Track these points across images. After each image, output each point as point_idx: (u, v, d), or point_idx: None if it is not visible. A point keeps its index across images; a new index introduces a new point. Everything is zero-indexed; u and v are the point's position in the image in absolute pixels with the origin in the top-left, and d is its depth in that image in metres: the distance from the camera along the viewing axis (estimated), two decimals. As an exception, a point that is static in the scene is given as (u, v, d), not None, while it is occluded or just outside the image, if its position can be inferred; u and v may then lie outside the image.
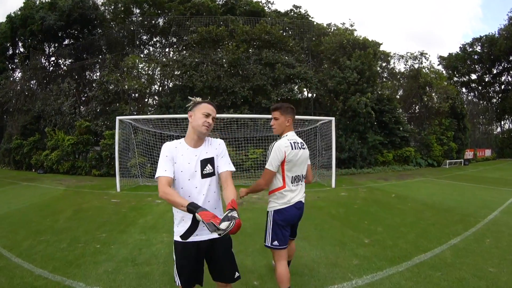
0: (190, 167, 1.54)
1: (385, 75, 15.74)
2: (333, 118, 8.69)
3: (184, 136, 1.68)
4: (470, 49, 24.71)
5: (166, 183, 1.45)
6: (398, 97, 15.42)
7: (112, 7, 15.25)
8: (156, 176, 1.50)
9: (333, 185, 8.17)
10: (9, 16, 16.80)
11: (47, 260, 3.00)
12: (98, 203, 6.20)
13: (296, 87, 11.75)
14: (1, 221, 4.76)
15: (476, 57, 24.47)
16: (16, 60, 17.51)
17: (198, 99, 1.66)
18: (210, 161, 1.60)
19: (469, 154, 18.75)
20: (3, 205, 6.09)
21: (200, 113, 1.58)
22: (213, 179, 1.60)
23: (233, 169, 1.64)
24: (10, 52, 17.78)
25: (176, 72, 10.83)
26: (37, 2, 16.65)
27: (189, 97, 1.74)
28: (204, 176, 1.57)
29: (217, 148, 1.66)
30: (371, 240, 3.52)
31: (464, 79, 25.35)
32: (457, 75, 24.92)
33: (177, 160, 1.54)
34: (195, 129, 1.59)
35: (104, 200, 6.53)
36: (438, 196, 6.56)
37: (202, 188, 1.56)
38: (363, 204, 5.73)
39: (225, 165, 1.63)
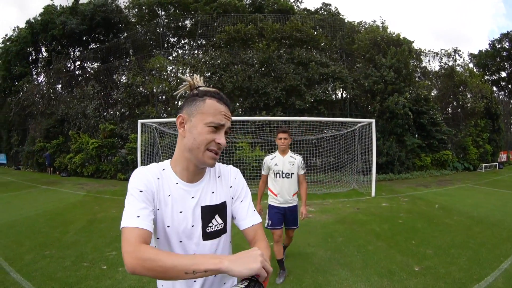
0: (183, 220, 0.86)
1: (418, 75, 14.99)
2: (373, 121, 8.16)
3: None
4: (499, 46, 23.54)
5: (140, 240, 0.73)
6: (430, 97, 14.63)
7: (136, 10, 15.15)
8: (122, 225, 0.77)
9: (373, 194, 7.65)
10: (28, 22, 17.01)
11: (47, 280, 2.76)
12: (116, 212, 5.85)
13: (331, 86, 11.20)
14: (8, 229, 4.55)
15: (505, 53, 23.27)
16: (39, 64, 17.71)
17: (197, 78, 0.91)
18: (219, 210, 0.91)
19: (502, 157, 17.93)
20: (15, 211, 5.88)
21: (203, 124, 0.82)
22: (224, 240, 0.92)
23: (260, 219, 0.98)
24: (33, 56, 18.01)
25: (205, 74, 10.51)
26: (58, 8, 16.80)
27: (179, 74, 1.04)
28: (208, 236, 0.88)
29: (232, 185, 0.96)
30: (421, 267, 3.13)
31: (494, 77, 24.16)
32: (487, 73, 23.74)
33: (161, 205, 0.84)
34: (191, 154, 0.85)
35: (122, 208, 6.01)
36: (483, 207, 6.16)
37: None
38: (407, 219, 5.31)
39: (250, 215, 0.95)
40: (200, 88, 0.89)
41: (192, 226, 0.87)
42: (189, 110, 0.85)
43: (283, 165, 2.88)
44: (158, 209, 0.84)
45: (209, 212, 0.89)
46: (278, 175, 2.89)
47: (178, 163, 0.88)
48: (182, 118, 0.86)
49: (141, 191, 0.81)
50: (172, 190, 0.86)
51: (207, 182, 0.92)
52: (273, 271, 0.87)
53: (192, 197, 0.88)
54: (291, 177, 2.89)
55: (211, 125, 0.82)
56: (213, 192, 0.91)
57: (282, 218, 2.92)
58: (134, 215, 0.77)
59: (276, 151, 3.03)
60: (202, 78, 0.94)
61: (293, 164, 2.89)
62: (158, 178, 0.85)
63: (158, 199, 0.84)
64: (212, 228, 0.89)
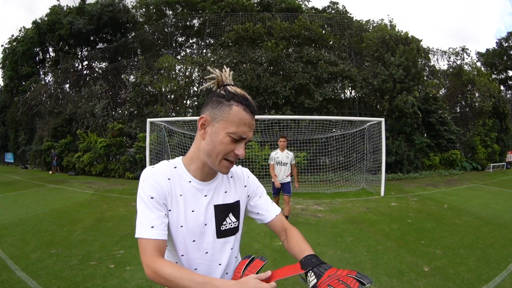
0: (196, 219, 0.85)
1: (426, 73, 14.88)
2: (382, 120, 8.11)
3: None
4: (506, 44, 23.32)
5: (155, 253, 0.76)
6: (439, 96, 14.54)
7: (143, 9, 15.22)
8: (136, 235, 0.79)
9: (382, 193, 7.61)
10: (34, 22, 17.11)
11: (53, 279, 2.72)
12: (124, 210, 5.83)
13: (339, 85, 11.19)
14: (14, 228, 4.53)
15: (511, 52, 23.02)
16: (47, 64, 17.84)
17: (227, 74, 0.85)
18: (233, 208, 0.91)
19: (510, 157, 17.81)
20: (21, 209, 5.86)
21: (225, 133, 0.79)
22: (236, 239, 0.94)
23: (280, 209, 1.02)
24: (41, 56, 18.13)
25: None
26: (65, 8, 16.90)
27: (209, 67, 0.87)
28: (221, 234, 0.89)
29: (246, 184, 0.97)
30: (431, 267, 3.10)
31: (502, 76, 23.97)
32: (495, 72, 23.54)
33: (173, 206, 0.83)
34: (207, 158, 0.83)
35: (130, 207, 6.15)
36: (491, 207, 6.14)
37: (217, 254, 0.88)
38: (416, 218, 5.30)
39: (271, 207, 0.98)
40: (228, 89, 0.81)
41: (205, 224, 0.86)
42: (213, 113, 0.80)
43: (282, 158, 4.74)
44: (170, 210, 0.83)
45: (222, 210, 0.89)
46: (278, 163, 4.75)
47: (194, 162, 0.87)
48: (205, 119, 0.82)
49: (152, 198, 0.79)
50: (184, 189, 0.85)
51: (220, 181, 0.91)
52: (276, 235, 0.99)
53: (205, 196, 0.87)
54: (286, 165, 4.75)
55: (233, 136, 0.78)
56: (226, 192, 0.91)
57: (279, 189, 4.78)
58: (148, 225, 0.77)
59: (277, 148, 4.88)
60: (232, 73, 0.87)
61: (287, 157, 4.75)
62: (169, 179, 0.83)
63: (170, 200, 0.83)
64: (226, 226, 0.90)
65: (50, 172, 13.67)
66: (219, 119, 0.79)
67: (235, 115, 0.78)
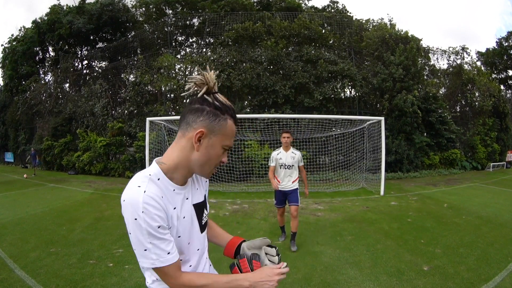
0: (187, 224, 0.88)
1: (426, 73, 14.88)
2: (382, 118, 8.12)
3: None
4: (506, 44, 23.33)
5: (178, 272, 0.81)
6: (439, 95, 14.53)
7: (143, 9, 15.22)
8: (154, 266, 0.78)
9: (382, 193, 7.62)
10: (34, 22, 17.08)
11: (51, 277, 2.75)
12: None
13: (339, 84, 11.20)
14: (13, 227, 4.55)
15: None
16: (47, 64, 17.83)
17: (212, 76, 0.81)
18: (205, 202, 0.99)
19: (510, 156, 17.82)
20: (21, 209, 5.89)
21: (221, 145, 0.82)
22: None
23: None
24: (40, 56, 18.11)
25: (214, 72, 10.51)
26: (64, 7, 16.89)
27: (189, 75, 0.89)
28: (203, 228, 0.96)
29: (207, 181, 1.03)
30: (430, 266, 3.12)
31: (502, 75, 23.97)
32: (495, 72, 23.54)
33: (173, 222, 0.83)
34: (199, 168, 0.84)
35: None
36: (491, 207, 6.17)
37: (202, 247, 0.96)
38: (416, 217, 5.32)
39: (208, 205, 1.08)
40: (220, 100, 0.80)
41: (192, 224, 0.91)
42: (211, 126, 0.79)
43: (286, 159, 3.66)
44: (170, 227, 0.83)
45: (200, 207, 0.94)
46: (281, 166, 3.67)
47: (179, 171, 0.84)
48: (199, 132, 0.79)
49: (159, 227, 0.77)
50: (175, 201, 0.84)
51: (191, 180, 0.94)
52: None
53: (187, 198, 0.90)
54: (291, 168, 3.67)
55: (226, 148, 0.84)
56: (197, 189, 0.96)
57: (284, 199, 3.75)
58: (164, 253, 0.78)
59: (281, 147, 3.75)
60: (215, 74, 0.85)
61: (293, 158, 3.66)
62: (162, 197, 0.80)
63: (169, 218, 0.82)
64: (204, 220, 0.97)
65: (25, 176, 11.62)
66: (217, 133, 0.80)
67: (230, 128, 0.82)
